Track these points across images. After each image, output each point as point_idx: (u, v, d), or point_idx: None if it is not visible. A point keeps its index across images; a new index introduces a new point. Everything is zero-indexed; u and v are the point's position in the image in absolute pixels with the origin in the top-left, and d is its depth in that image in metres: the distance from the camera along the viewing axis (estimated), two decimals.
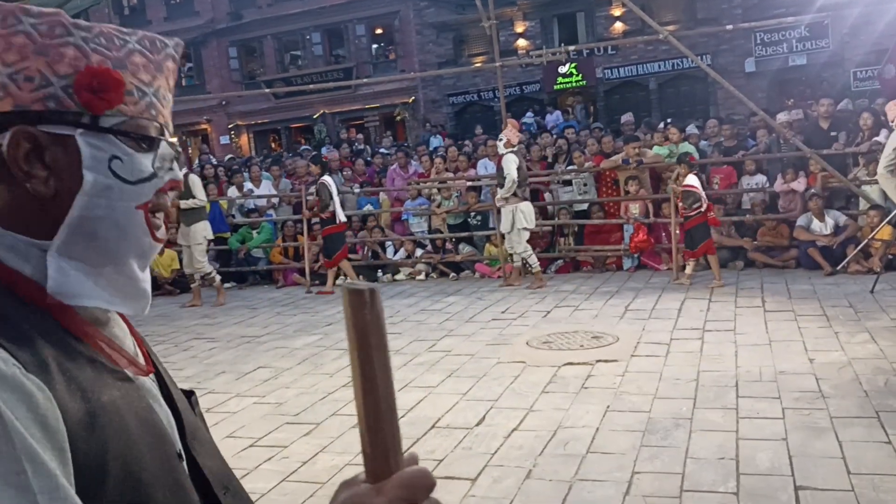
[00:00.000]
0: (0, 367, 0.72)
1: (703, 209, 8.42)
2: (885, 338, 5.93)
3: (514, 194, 9.00)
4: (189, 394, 1.07)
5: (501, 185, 9.07)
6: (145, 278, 0.96)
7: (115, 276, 0.91)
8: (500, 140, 9.32)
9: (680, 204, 8.69)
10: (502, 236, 9.58)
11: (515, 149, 9.14)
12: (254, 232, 11.65)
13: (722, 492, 3.60)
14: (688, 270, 8.79)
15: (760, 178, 9.78)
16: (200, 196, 9.37)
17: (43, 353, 0.78)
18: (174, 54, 0.96)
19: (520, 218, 9.04)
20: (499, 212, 9.57)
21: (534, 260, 9.30)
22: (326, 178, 9.87)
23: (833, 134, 9.78)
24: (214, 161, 16.86)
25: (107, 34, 0.88)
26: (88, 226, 0.87)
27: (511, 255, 9.52)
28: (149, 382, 0.96)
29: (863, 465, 3.75)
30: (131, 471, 0.82)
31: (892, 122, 6.45)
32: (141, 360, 0.97)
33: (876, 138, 9.19)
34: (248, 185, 12.06)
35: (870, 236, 8.29)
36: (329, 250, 9.98)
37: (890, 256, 8.36)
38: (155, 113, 0.92)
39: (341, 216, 9.91)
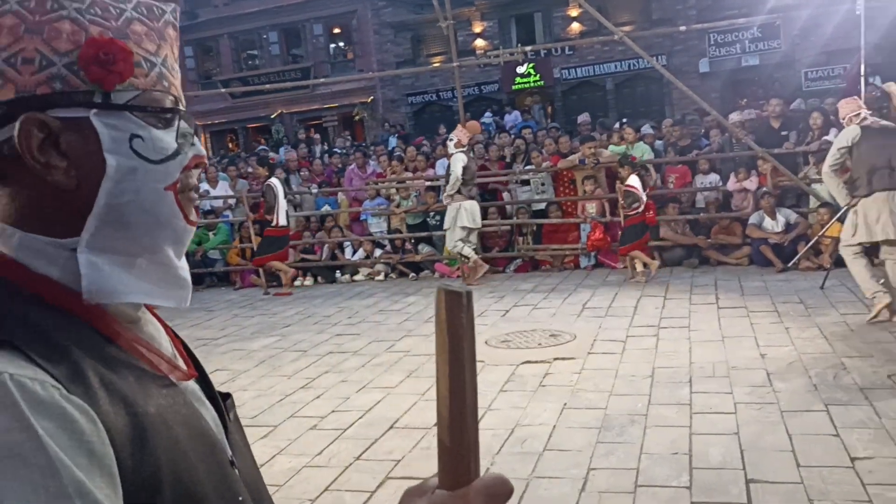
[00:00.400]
0: (38, 391, 0.65)
1: (640, 209, 8.66)
2: (833, 333, 6.07)
3: (459, 192, 9.14)
4: (225, 396, 0.97)
5: (447, 182, 9.27)
6: (183, 266, 0.89)
7: (151, 266, 0.84)
8: (451, 140, 9.47)
9: (621, 202, 8.86)
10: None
11: (465, 148, 9.24)
12: (210, 233, 11.51)
13: (675, 486, 3.65)
14: (639, 268, 8.91)
15: (714, 177, 9.95)
16: None
17: (82, 366, 0.71)
18: (173, 21, 0.89)
19: (462, 216, 9.19)
20: None
21: (468, 251, 9.43)
22: (273, 180, 9.83)
23: (784, 133, 9.99)
24: None
25: (101, 3, 0.80)
26: (117, 214, 0.79)
27: (462, 255, 9.56)
28: (192, 385, 0.88)
29: (812, 457, 3.83)
30: (185, 485, 0.75)
31: (843, 119, 6.60)
32: (181, 362, 0.90)
33: (826, 137, 9.40)
34: (205, 185, 11.91)
35: (819, 233, 8.47)
36: (262, 251, 9.91)
37: (839, 252, 8.55)
38: (167, 84, 0.84)
39: (282, 220, 9.85)
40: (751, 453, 3.94)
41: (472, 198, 9.36)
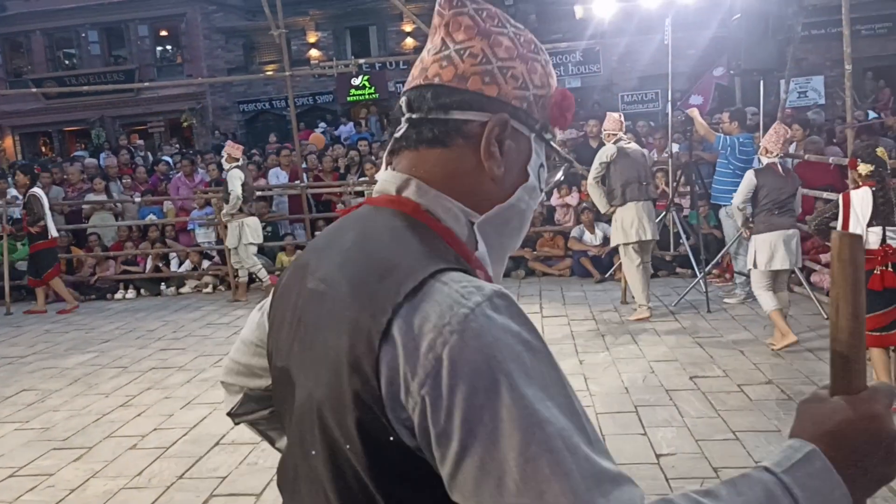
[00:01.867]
0: (510, 301, 0.87)
1: None
2: (643, 339, 6.53)
3: (241, 210, 9.01)
4: None
5: (227, 201, 9.03)
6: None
7: (495, 261, 1.04)
8: (222, 156, 9.38)
9: None
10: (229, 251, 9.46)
11: (239, 163, 9.14)
12: (18, 244, 10.66)
13: None
14: None
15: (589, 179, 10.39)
16: None
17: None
18: None
19: (246, 233, 9.08)
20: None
21: (263, 274, 9.37)
22: (36, 190, 9.32)
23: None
24: None
25: (548, 59, 1.06)
26: (510, 213, 1.02)
27: (238, 270, 9.45)
28: None
29: (623, 455, 4.11)
30: None
31: (604, 132, 7.40)
32: None
33: None
34: (13, 191, 11.03)
35: None
36: (38, 267, 9.37)
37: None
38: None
39: (53, 231, 9.36)
40: None
41: (252, 214, 9.24)
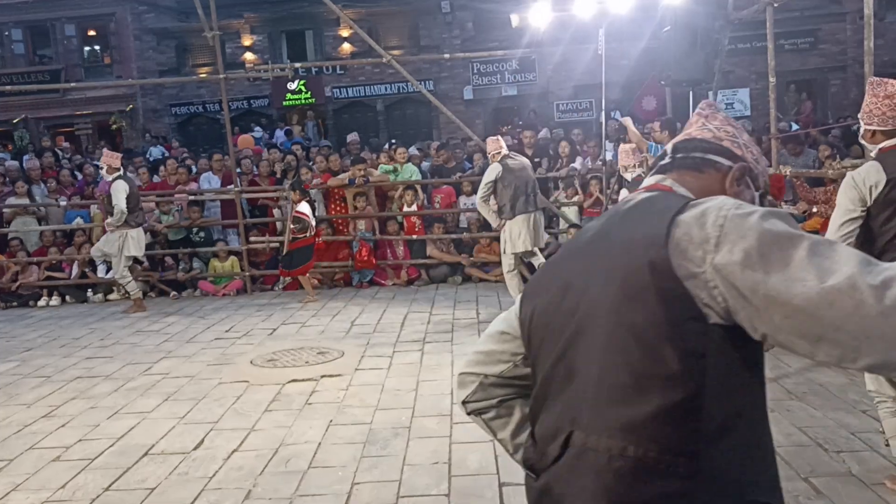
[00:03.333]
0: None
1: (308, 234, 9.00)
2: None
3: (127, 222, 8.81)
4: None
5: (110, 213, 8.87)
6: None
7: None
8: (101, 168, 9.20)
9: (291, 227, 9.13)
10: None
11: (121, 173, 8.96)
12: None
13: (435, 494, 3.78)
14: (307, 288, 9.31)
15: (476, 199, 10.45)
16: None
17: None
18: None
19: (129, 244, 8.87)
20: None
21: (132, 287, 9.18)
22: None
23: (536, 160, 10.75)
24: None
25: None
26: None
27: (125, 289, 9.28)
28: None
29: None
30: None
31: (489, 154, 7.80)
32: None
33: (573, 164, 10.25)
34: None
35: None
36: None
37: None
38: None
39: None
40: (504, 459, 4.16)
41: (138, 225, 9.03)
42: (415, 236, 10.22)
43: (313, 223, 9.02)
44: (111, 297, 10.16)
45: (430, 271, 10.16)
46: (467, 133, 10.79)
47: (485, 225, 10.26)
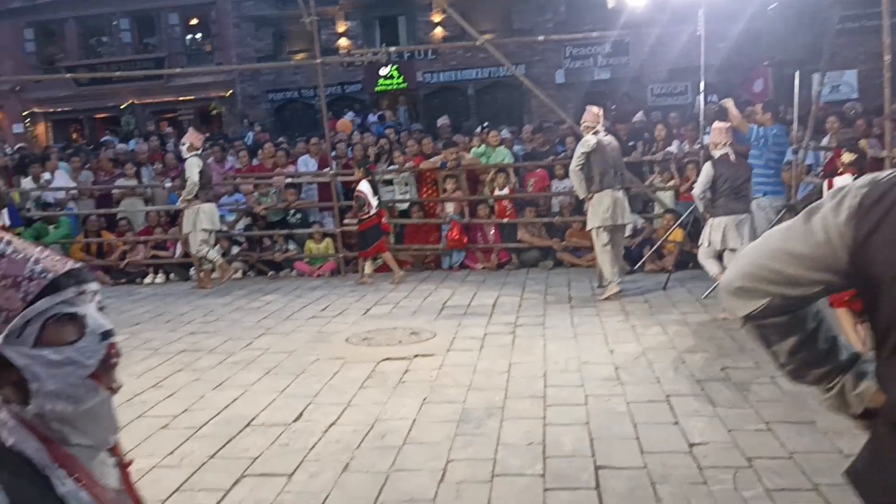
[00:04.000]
0: None
1: (371, 213, 9.15)
2: (674, 330, 6.48)
3: (197, 196, 9.27)
4: None
5: (184, 188, 9.44)
6: None
7: None
8: (183, 144, 9.70)
9: (354, 206, 9.40)
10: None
11: (199, 152, 9.46)
12: (51, 227, 10.81)
13: (530, 475, 3.79)
14: (367, 270, 9.47)
15: (569, 183, 10.33)
16: None
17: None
18: None
19: (201, 218, 9.34)
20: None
21: (213, 254, 9.62)
22: None
23: (631, 143, 10.55)
24: (9, 150, 15.42)
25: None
26: None
27: (201, 259, 9.66)
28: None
29: (654, 444, 4.08)
30: None
31: (582, 124, 7.92)
32: None
33: (669, 148, 10.03)
34: (47, 175, 11.18)
35: (663, 238, 9.01)
36: None
37: (680, 256, 9.13)
38: None
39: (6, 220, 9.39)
40: (599, 442, 4.14)
41: (209, 200, 9.50)
42: (506, 220, 10.20)
43: (372, 202, 9.19)
44: (213, 275, 10.54)
45: (521, 255, 10.12)
46: (560, 115, 10.67)
47: (577, 209, 10.16)
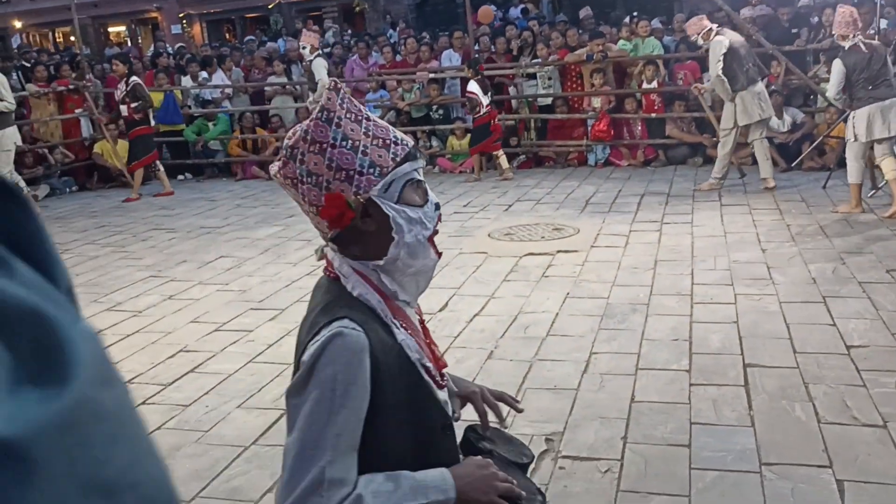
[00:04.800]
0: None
1: (482, 113, 9.14)
2: (835, 231, 6.12)
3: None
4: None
5: (313, 90, 9.39)
6: None
7: None
8: (304, 48, 9.59)
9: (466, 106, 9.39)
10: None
11: (319, 52, 9.44)
12: (210, 124, 11.39)
13: (675, 369, 3.76)
14: (504, 164, 9.51)
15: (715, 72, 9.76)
16: (9, 99, 8.58)
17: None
18: None
19: None
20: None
21: None
22: (137, 78, 9.64)
23: (794, 31, 9.76)
24: (171, 50, 16.20)
25: None
26: None
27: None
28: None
29: (808, 344, 3.93)
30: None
31: (699, 36, 7.90)
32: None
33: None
34: (204, 74, 11.70)
35: (824, 133, 8.41)
36: (135, 153, 9.72)
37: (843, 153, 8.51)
38: None
39: (152, 118, 9.77)
40: (749, 340, 4.04)
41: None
42: (654, 115, 9.81)
43: (483, 101, 9.17)
44: None
45: (669, 152, 9.76)
46: (716, 3, 9.97)
47: None
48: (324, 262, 1.40)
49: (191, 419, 3.65)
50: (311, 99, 9.64)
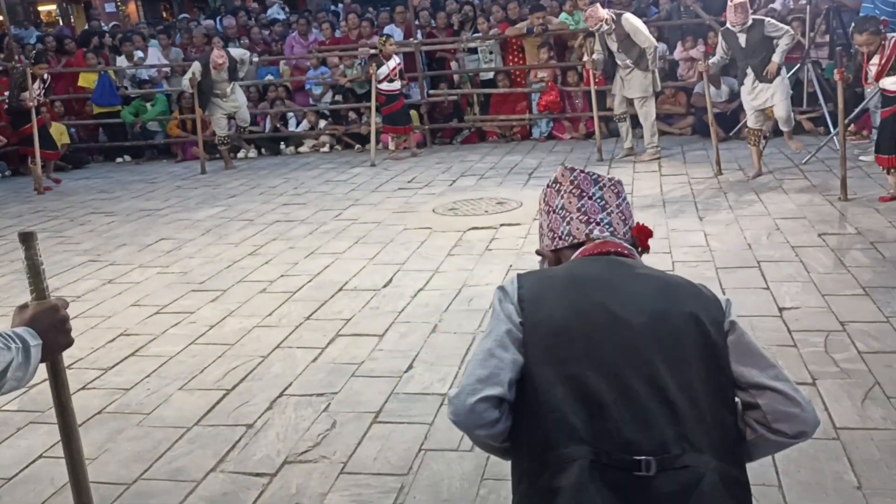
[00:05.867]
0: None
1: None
2: (770, 198, 6.27)
3: None
4: None
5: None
6: None
7: None
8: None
9: None
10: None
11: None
12: (147, 104, 11.12)
13: None
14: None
15: (661, 46, 9.87)
16: None
17: None
18: None
19: None
20: None
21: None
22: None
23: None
24: (106, 28, 15.70)
25: None
26: None
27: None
28: None
29: (743, 308, 4.02)
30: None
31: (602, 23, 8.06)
32: None
33: (772, 5, 9.38)
34: (140, 53, 11.39)
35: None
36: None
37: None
38: None
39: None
40: None
41: None
42: (595, 87, 9.87)
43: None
44: (301, 149, 10.72)
45: (611, 124, 9.85)
46: None
47: (670, 74, 9.75)
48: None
49: (132, 402, 3.60)
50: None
